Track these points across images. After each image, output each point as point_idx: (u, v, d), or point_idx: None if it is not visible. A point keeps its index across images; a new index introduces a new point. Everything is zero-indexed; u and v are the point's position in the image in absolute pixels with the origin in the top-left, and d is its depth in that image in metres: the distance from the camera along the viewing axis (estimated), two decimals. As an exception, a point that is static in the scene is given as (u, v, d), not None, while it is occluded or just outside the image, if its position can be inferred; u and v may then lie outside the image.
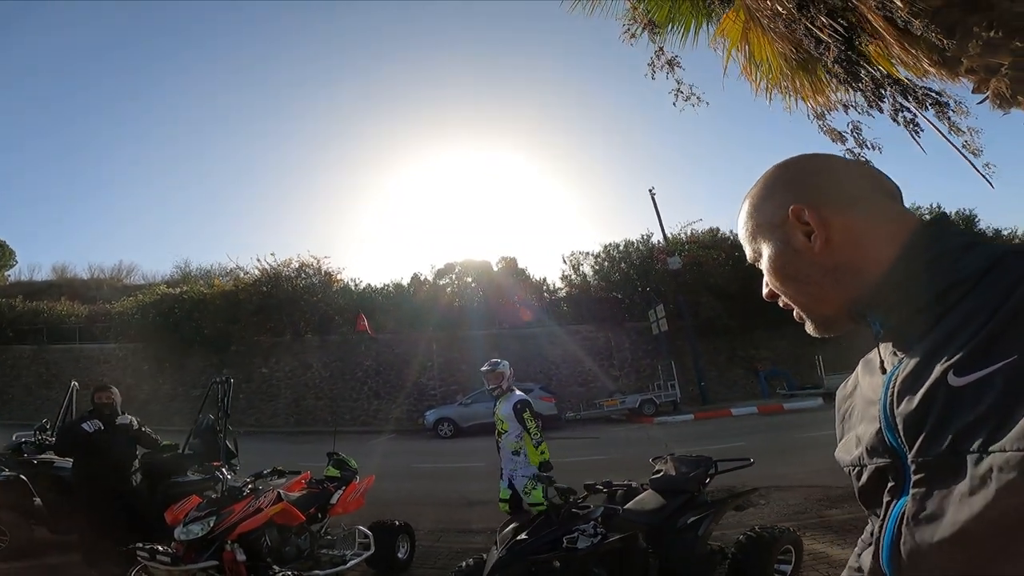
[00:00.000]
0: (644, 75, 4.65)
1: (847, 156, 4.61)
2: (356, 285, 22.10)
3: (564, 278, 22.76)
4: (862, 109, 3.78)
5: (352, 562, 3.97)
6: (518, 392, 4.80)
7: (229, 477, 3.87)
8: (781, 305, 0.76)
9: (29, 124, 65.98)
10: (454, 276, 22.62)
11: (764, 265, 0.73)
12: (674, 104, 4.63)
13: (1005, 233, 23.93)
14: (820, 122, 4.10)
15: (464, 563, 3.25)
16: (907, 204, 0.71)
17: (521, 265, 23.61)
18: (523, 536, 2.82)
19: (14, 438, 6.19)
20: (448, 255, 45.80)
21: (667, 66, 4.46)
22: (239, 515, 3.39)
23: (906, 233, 0.64)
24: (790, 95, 4.52)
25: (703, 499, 3.38)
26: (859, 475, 0.67)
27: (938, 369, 0.54)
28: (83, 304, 24.37)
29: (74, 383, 6.24)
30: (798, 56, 3.98)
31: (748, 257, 0.76)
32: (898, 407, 0.58)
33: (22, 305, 23.44)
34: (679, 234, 21.52)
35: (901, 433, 0.58)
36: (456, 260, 23.21)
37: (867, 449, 0.64)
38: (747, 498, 3.64)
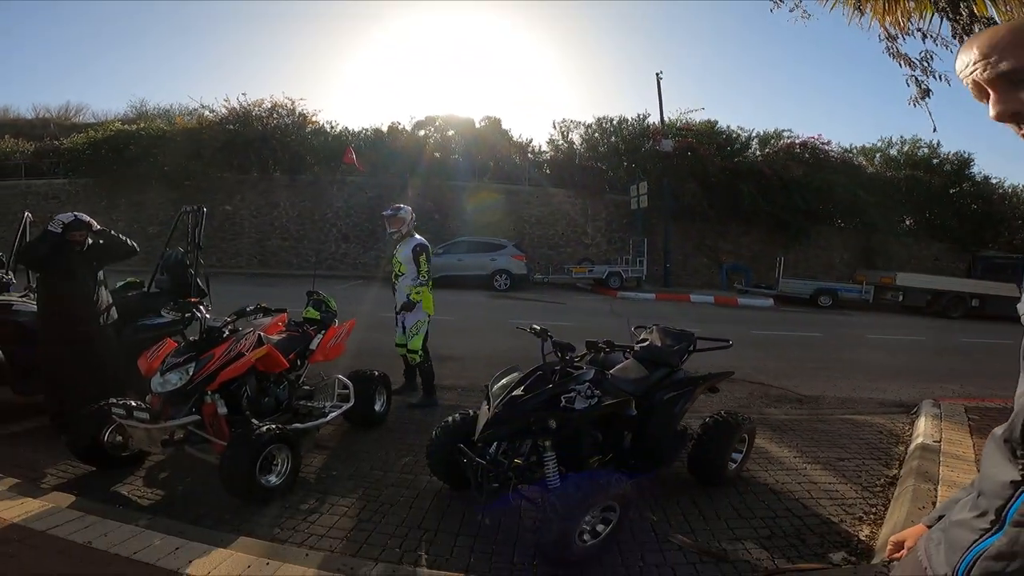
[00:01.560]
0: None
1: (911, 83, 4.32)
2: (332, 127, 21.09)
3: (551, 142, 22.17)
4: (941, 41, 3.42)
5: (332, 415, 3.84)
6: (417, 236, 4.96)
7: (207, 317, 3.40)
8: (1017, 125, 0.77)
9: None
10: (434, 129, 21.83)
11: None
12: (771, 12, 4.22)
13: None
14: (890, 44, 3.74)
15: (451, 418, 3.17)
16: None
17: (506, 127, 22.82)
18: (519, 392, 2.70)
19: None
20: (429, 110, 43.30)
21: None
22: (219, 361, 3.12)
23: None
24: (860, 10, 4.11)
25: (681, 376, 3.35)
26: None
27: None
28: (29, 141, 22.29)
29: (27, 214, 5.46)
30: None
31: (1003, 68, 0.75)
32: None
33: None
34: (676, 120, 21.01)
35: None
36: (438, 114, 22.37)
37: None
38: (721, 380, 3.55)
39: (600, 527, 2.62)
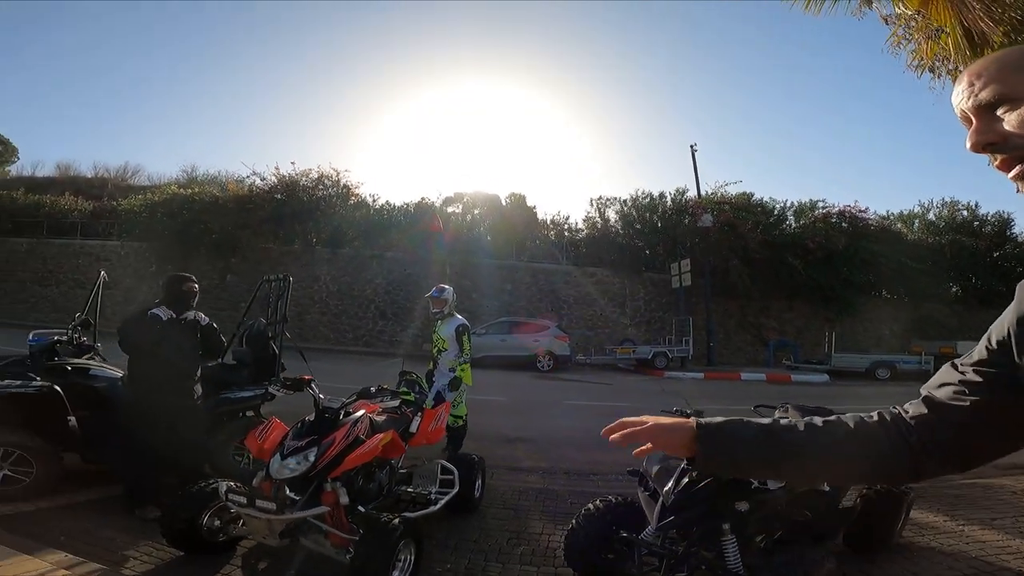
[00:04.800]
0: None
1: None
2: (374, 200, 21.46)
3: (587, 219, 22.22)
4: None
5: (441, 502, 3.56)
6: (459, 316, 5.38)
7: (322, 397, 3.13)
8: (998, 159, 0.73)
9: (38, 19, 62.23)
10: (461, 205, 22.21)
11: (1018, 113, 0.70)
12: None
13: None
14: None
15: (592, 506, 2.94)
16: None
17: (531, 203, 23.17)
18: (693, 478, 2.54)
19: (31, 337, 4.88)
20: (457, 185, 45.28)
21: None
22: (340, 445, 2.88)
23: None
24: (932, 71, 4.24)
25: None
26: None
27: None
28: (88, 200, 23.22)
29: (103, 273, 5.33)
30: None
31: (982, 98, 0.72)
32: None
33: (23, 198, 22.20)
34: (714, 193, 20.91)
35: None
36: (465, 190, 22.83)
37: None
38: None
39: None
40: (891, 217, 23.63)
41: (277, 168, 20.44)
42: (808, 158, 68.32)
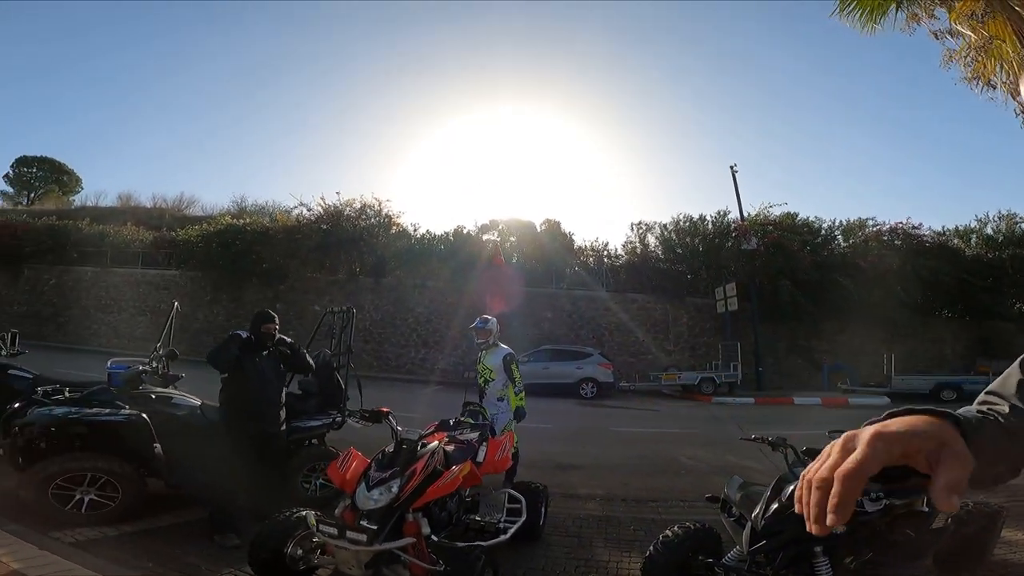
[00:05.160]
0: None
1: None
2: (415, 230, 21.82)
3: (627, 244, 21.99)
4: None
5: (511, 530, 3.53)
6: (504, 346, 5.46)
7: (400, 429, 3.17)
8: None
9: (101, 57, 68.09)
10: (497, 233, 22.30)
11: None
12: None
13: None
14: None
15: (670, 532, 2.91)
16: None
17: (567, 230, 23.07)
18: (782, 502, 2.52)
19: (110, 364, 5.22)
20: (492, 212, 45.87)
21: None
22: (421, 476, 2.92)
23: None
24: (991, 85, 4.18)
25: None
26: None
27: None
28: (148, 230, 24.54)
29: (176, 304, 5.63)
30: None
31: None
32: None
33: (89, 228, 23.55)
34: (757, 215, 20.35)
35: None
36: (500, 218, 22.91)
37: None
38: None
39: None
40: (947, 233, 22.57)
41: (323, 198, 20.93)
42: (852, 174, 66.33)
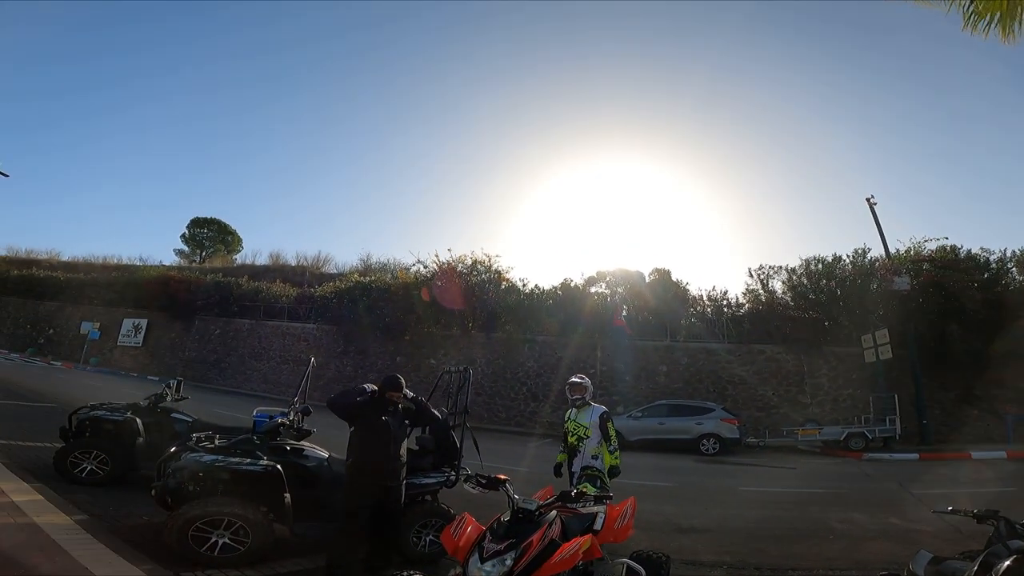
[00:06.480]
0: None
1: None
2: (524, 284, 22.20)
3: (749, 292, 20.41)
4: None
5: None
6: (598, 404, 5.33)
7: (517, 497, 3.03)
8: None
9: (257, 134, 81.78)
10: (605, 285, 21.93)
11: None
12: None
13: None
14: None
15: None
16: None
17: (676, 278, 22.15)
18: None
19: (256, 413, 5.74)
20: (599, 263, 45.80)
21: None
22: (537, 549, 2.75)
23: None
24: None
25: None
26: None
27: None
28: (293, 287, 28.02)
29: (312, 360, 6.11)
30: None
31: None
32: None
33: (247, 284, 27.76)
34: (906, 252, 17.83)
35: None
36: (607, 268, 22.61)
37: None
38: None
39: None
40: None
41: (437, 255, 22.01)
42: (1015, 198, 57.07)
